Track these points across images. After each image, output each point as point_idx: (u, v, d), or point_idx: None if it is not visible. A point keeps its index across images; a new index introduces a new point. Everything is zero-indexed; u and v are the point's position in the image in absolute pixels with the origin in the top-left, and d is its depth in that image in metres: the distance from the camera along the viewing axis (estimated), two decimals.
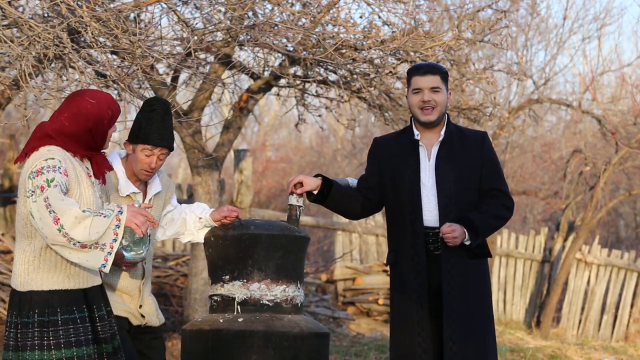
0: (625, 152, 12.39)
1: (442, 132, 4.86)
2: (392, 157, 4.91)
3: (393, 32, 7.41)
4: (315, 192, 4.92)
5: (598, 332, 13.89)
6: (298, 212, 4.96)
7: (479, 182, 4.83)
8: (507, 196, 4.87)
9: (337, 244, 12.60)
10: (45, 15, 6.01)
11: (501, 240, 13.53)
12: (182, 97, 15.33)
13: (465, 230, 4.71)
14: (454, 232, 4.68)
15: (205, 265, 6.82)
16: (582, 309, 13.92)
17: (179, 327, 9.15)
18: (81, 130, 4.04)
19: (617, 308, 14.09)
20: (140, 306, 4.80)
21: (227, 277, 4.86)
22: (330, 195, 4.90)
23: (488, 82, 8.22)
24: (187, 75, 8.20)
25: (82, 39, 5.93)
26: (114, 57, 6.54)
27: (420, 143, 4.87)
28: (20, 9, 6.35)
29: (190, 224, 4.99)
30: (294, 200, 4.94)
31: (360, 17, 7.61)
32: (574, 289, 13.79)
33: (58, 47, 5.49)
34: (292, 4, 7.37)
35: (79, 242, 3.87)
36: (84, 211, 3.88)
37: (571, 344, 11.75)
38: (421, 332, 4.76)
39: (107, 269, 3.95)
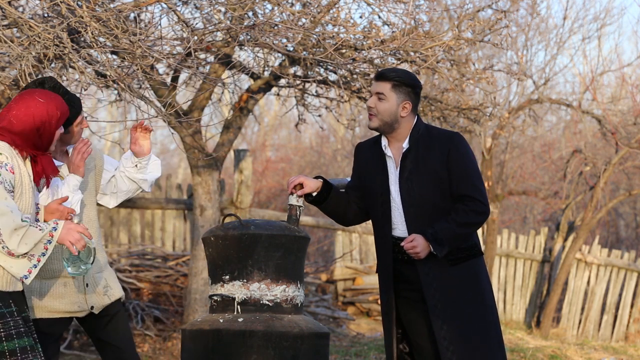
0: (625, 152, 12.39)
1: (406, 142, 4.75)
2: (366, 166, 4.88)
3: (393, 32, 7.42)
4: (314, 194, 4.91)
5: (598, 332, 13.89)
6: (298, 212, 4.96)
7: (449, 186, 4.71)
8: (477, 200, 4.68)
9: (337, 244, 12.60)
10: (45, 15, 6.01)
11: (501, 240, 13.53)
12: (182, 97, 15.34)
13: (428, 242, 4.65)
14: (415, 248, 4.64)
15: (205, 265, 6.83)
16: (582, 309, 13.92)
17: (179, 327, 9.16)
18: (28, 129, 4.04)
19: (617, 308, 14.10)
20: (87, 285, 4.69)
21: (227, 277, 4.86)
22: (328, 198, 4.90)
23: (488, 82, 8.22)
24: (187, 75, 8.21)
25: (82, 39, 5.94)
26: (114, 57, 6.54)
27: (389, 154, 4.79)
28: (20, 9, 6.35)
29: (132, 175, 4.90)
30: (294, 200, 4.94)
31: (360, 17, 7.62)
32: (574, 289, 13.79)
33: (58, 47, 5.49)
34: (292, 4, 7.37)
35: (7, 248, 3.90)
36: (22, 220, 3.90)
37: (571, 344, 11.75)
38: (393, 340, 4.78)
39: (28, 281, 3.99)
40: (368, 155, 4.89)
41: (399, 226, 4.77)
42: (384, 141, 4.80)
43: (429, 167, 4.70)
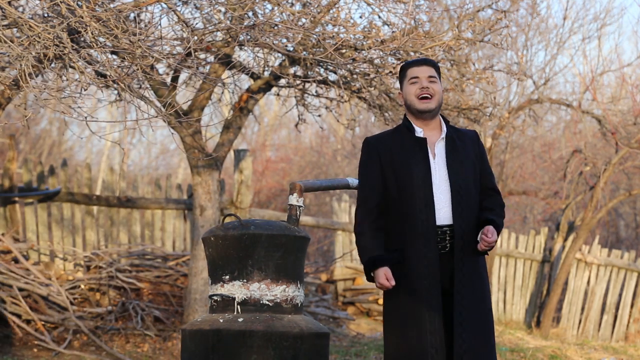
0: (625, 152, 12.40)
1: (444, 129, 4.84)
2: (394, 155, 4.79)
3: (393, 32, 7.43)
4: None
5: (598, 332, 13.90)
6: (298, 212, 4.96)
7: (479, 179, 4.86)
8: (501, 196, 4.94)
9: (337, 244, 12.60)
10: (45, 15, 6.01)
11: (501, 240, 13.53)
12: (182, 97, 15.34)
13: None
14: (493, 243, 4.75)
15: (205, 265, 6.83)
16: (582, 309, 13.92)
17: (179, 327, 9.16)
18: None
19: (617, 308, 14.10)
20: None
21: (227, 277, 4.87)
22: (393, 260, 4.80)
23: (488, 82, 8.22)
24: (187, 75, 8.21)
25: (82, 39, 5.94)
26: (114, 57, 6.54)
27: (426, 141, 4.81)
28: (20, 9, 6.35)
29: None
30: (294, 200, 4.95)
31: (360, 17, 7.62)
32: (574, 289, 13.80)
33: (58, 47, 5.49)
34: (292, 4, 7.38)
35: None
36: None
37: (571, 344, 11.75)
38: (434, 332, 4.68)
39: None
40: (393, 145, 4.83)
41: (440, 212, 4.74)
42: (418, 129, 4.82)
43: (465, 157, 4.82)
